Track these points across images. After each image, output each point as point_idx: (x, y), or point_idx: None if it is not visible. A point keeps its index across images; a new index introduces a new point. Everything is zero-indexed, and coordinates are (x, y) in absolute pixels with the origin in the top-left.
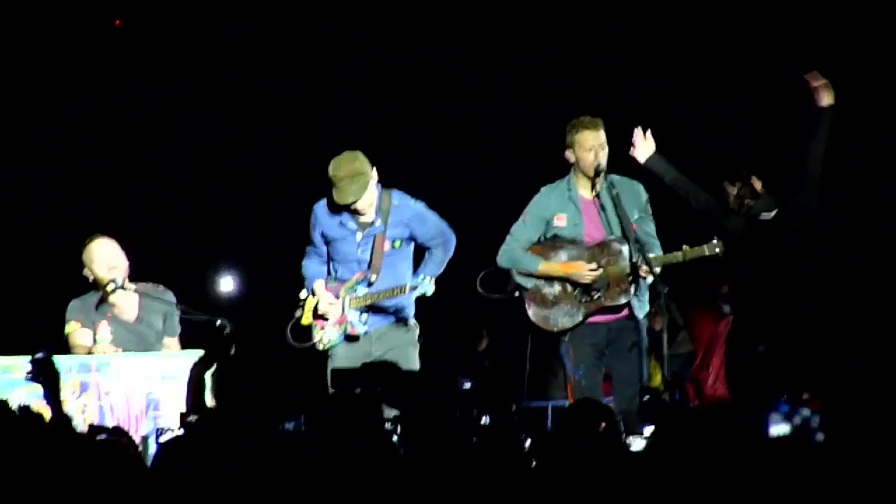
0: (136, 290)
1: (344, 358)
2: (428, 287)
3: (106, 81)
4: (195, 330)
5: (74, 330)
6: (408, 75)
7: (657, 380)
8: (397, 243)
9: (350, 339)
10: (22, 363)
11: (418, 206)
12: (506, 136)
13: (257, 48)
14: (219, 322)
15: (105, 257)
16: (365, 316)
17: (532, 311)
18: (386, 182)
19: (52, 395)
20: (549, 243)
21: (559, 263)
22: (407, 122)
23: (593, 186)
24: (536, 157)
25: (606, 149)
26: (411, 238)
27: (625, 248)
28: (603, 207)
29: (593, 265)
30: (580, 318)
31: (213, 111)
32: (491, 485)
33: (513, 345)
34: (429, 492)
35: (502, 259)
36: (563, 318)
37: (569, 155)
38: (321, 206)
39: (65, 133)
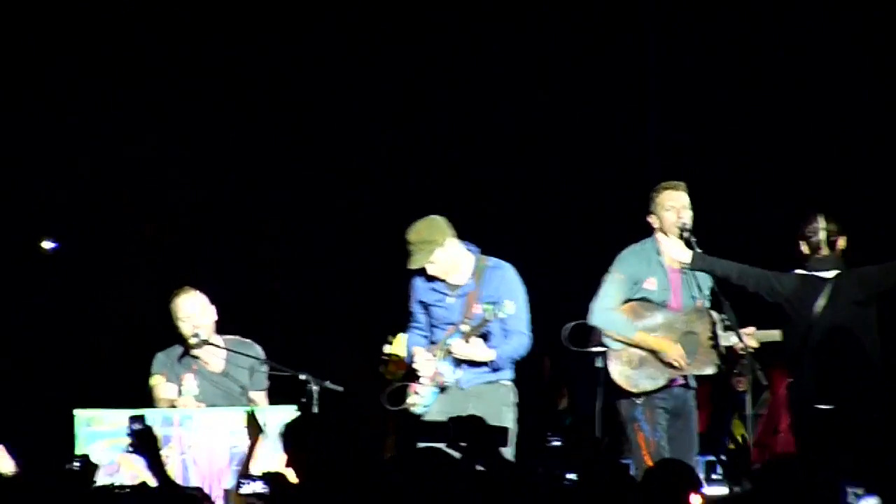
0: (222, 345)
1: (437, 412)
2: (509, 308)
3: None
4: (281, 385)
5: (159, 384)
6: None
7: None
8: (488, 307)
9: (443, 390)
10: (105, 416)
11: (513, 277)
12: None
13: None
14: (303, 376)
15: (189, 313)
16: (454, 368)
17: (616, 370)
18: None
19: (153, 458)
20: (640, 305)
21: (653, 338)
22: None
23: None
24: (611, 212)
25: (691, 211)
26: (498, 303)
27: (714, 317)
28: (684, 274)
29: (683, 355)
30: (662, 383)
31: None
32: None
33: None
34: None
35: (598, 318)
36: (644, 380)
37: (652, 219)
38: (418, 275)
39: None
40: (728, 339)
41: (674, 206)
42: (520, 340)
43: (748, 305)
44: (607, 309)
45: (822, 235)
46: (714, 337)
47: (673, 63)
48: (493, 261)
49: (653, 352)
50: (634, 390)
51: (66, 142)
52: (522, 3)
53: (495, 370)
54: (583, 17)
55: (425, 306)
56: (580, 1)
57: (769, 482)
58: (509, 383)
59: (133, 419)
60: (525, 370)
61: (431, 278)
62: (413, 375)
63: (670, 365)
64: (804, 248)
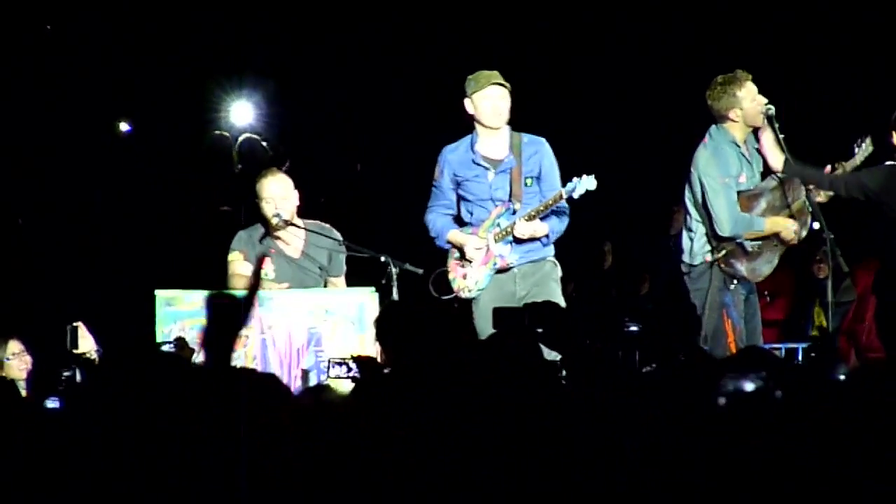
0: (302, 227)
1: (490, 301)
2: (589, 182)
3: None
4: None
5: (236, 260)
6: None
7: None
8: (529, 181)
9: (501, 272)
10: (185, 296)
11: (549, 149)
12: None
13: None
14: (383, 258)
15: (274, 194)
16: (510, 247)
17: (743, 266)
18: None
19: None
20: (745, 198)
21: (773, 221)
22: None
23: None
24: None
25: None
26: (538, 178)
27: (797, 182)
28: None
29: (798, 228)
30: (776, 263)
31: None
32: (661, 426)
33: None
34: (597, 436)
35: (733, 228)
36: (764, 266)
37: (732, 113)
38: (450, 149)
39: None
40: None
41: (754, 96)
42: (564, 218)
43: None
44: (735, 215)
45: None
46: (803, 198)
47: None
48: (526, 136)
49: (771, 235)
50: (759, 279)
51: (144, 29)
52: None
53: (543, 245)
54: None
55: (458, 182)
56: None
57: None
58: (552, 258)
59: (212, 298)
60: (586, 256)
61: (470, 150)
62: (459, 262)
63: (782, 241)
64: (895, 139)
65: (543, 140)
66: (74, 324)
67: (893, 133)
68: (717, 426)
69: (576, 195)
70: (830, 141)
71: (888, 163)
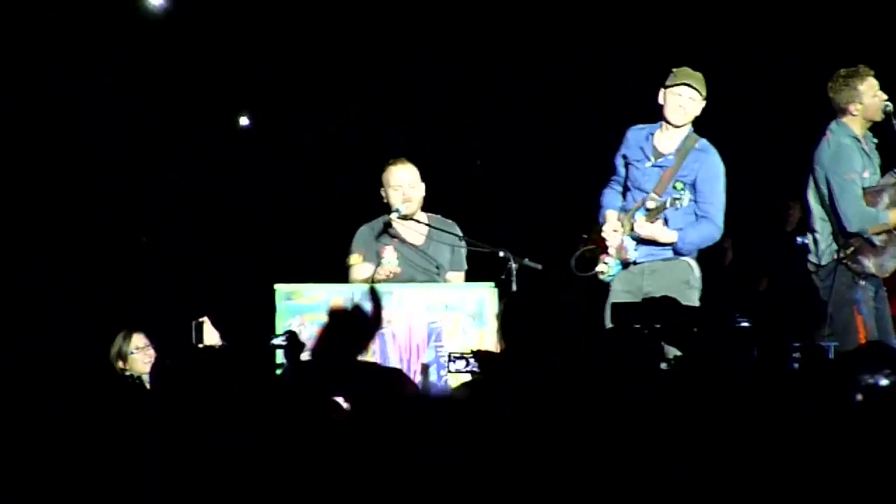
0: (425, 222)
1: (621, 292)
2: (683, 196)
3: None
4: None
5: (356, 264)
6: None
7: None
8: (680, 185)
9: (626, 266)
10: (305, 290)
11: (716, 164)
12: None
13: None
14: (501, 254)
15: (402, 182)
16: (636, 245)
17: (870, 262)
18: None
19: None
20: (869, 194)
21: (894, 214)
22: None
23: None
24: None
25: None
26: (693, 186)
27: None
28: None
29: None
30: None
31: None
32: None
33: (795, 286)
34: (706, 432)
35: (859, 224)
36: (890, 261)
37: (852, 107)
38: (634, 128)
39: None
40: None
41: (875, 91)
42: (710, 229)
43: None
44: (862, 210)
45: None
46: None
47: None
48: (702, 142)
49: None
50: (886, 275)
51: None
52: None
53: (676, 253)
54: None
55: (626, 163)
56: None
57: None
58: (689, 260)
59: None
60: (707, 253)
61: (646, 137)
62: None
63: None
64: None
65: (712, 151)
66: (200, 319)
67: None
68: (854, 423)
69: (677, 207)
70: None
71: None
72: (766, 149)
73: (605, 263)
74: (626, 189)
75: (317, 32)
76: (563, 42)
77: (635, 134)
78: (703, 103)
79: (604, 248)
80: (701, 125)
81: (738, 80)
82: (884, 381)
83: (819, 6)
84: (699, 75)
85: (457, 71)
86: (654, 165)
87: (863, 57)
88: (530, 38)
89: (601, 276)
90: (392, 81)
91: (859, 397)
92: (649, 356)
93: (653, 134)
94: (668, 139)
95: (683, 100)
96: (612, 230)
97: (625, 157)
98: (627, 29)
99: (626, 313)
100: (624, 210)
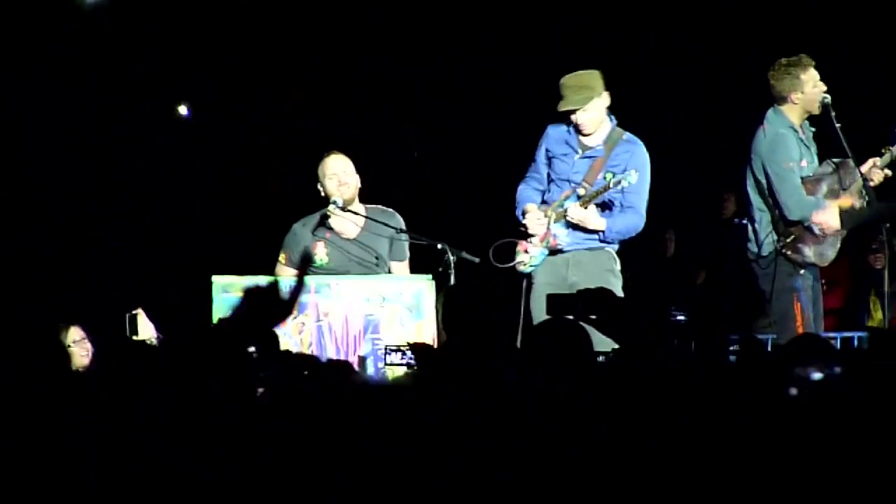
0: (361, 212)
1: (544, 284)
2: (631, 177)
3: None
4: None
5: (279, 263)
6: None
7: (878, 317)
8: (609, 176)
9: (553, 253)
10: (242, 283)
11: (644, 155)
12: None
13: None
14: (440, 246)
15: (337, 171)
16: (567, 231)
17: (812, 251)
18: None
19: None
20: (808, 183)
21: (837, 204)
22: None
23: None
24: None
25: None
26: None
27: (852, 166)
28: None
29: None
30: (839, 246)
31: None
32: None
33: (732, 276)
34: (645, 427)
35: (799, 212)
36: (829, 250)
37: (793, 96)
38: (554, 124)
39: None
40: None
41: (815, 82)
42: (634, 218)
43: None
44: (802, 200)
45: None
46: (860, 182)
47: None
48: (627, 134)
49: None
50: (825, 264)
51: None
52: None
53: (602, 241)
54: None
55: (550, 158)
56: None
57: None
58: (612, 250)
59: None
60: (648, 245)
61: (567, 130)
62: (524, 233)
63: None
64: None
65: (640, 143)
66: (134, 311)
67: None
68: (788, 416)
69: (620, 186)
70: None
71: None
72: (701, 139)
73: (527, 253)
74: (549, 182)
75: (259, 23)
76: (500, 33)
77: (556, 129)
78: (599, 98)
79: (524, 239)
80: (636, 117)
81: (672, 72)
82: (817, 375)
83: None
84: (573, 82)
85: (395, 63)
86: (583, 157)
87: (801, 48)
88: (467, 29)
89: (521, 268)
90: (331, 73)
91: (794, 391)
92: (587, 348)
93: (572, 127)
94: (592, 134)
95: (576, 117)
96: (537, 220)
97: (548, 151)
98: (562, 25)
99: (562, 305)
100: (546, 202)
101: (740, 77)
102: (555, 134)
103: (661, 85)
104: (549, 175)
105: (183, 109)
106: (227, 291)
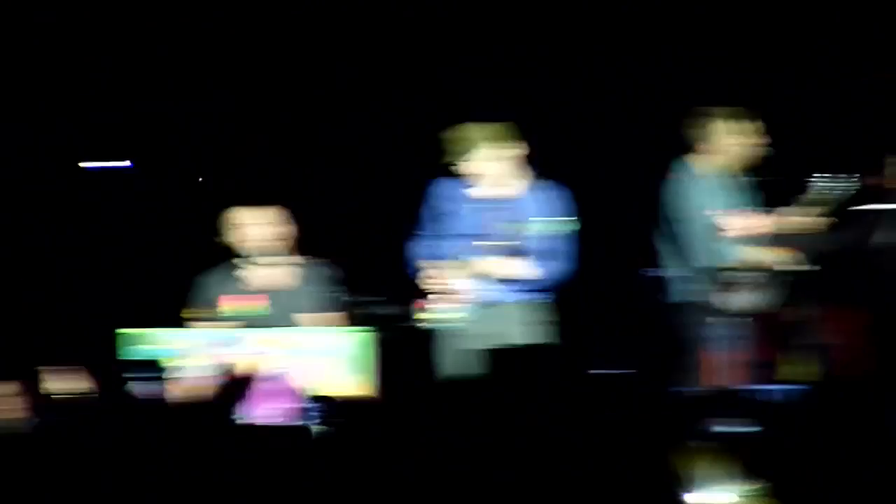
0: (293, 263)
1: (461, 338)
2: (550, 225)
3: None
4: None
5: (194, 316)
6: None
7: (786, 370)
8: (517, 225)
9: (471, 307)
10: (151, 336)
11: (557, 200)
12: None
13: None
14: (368, 300)
15: (256, 220)
16: (482, 284)
17: (723, 299)
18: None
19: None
20: (719, 230)
21: (747, 251)
22: None
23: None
24: None
25: None
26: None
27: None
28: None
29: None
30: (755, 298)
31: None
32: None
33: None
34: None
35: (710, 258)
36: (741, 298)
37: (708, 146)
38: (448, 177)
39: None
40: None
41: (733, 133)
42: (557, 265)
43: None
44: (713, 246)
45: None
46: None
47: None
48: (536, 181)
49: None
50: (737, 312)
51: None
52: None
53: (527, 291)
54: None
55: (447, 213)
56: None
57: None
58: (540, 301)
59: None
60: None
61: (465, 183)
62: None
63: (761, 271)
64: (885, 182)
65: (551, 189)
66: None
67: (881, 176)
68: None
69: (538, 233)
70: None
71: (869, 206)
72: (620, 184)
73: (434, 309)
74: (448, 237)
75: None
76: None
77: (451, 183)
78: (502, 148)
79: (438, 295)
80: (551, 160)
81: (587, 114)
82: (732, 428)
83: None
84: (474, 134)
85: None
86: (487, 208)
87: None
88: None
89: (429, 325)
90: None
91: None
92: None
93: (467, 181)
94: (498, 184)
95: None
96: (441, 276)
97: (445, 205)
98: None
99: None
100: (455, 258)
101: (660, 122)
102: (449, 188)
103: (578, 126)
104: (447, 228)
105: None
106: (134, 344)
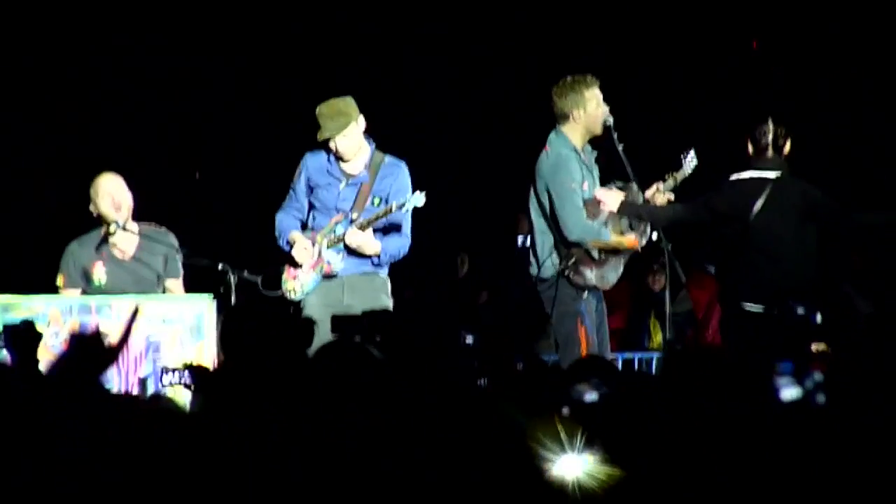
0: (137, 231)
1: (319, 307)
2: (419, 199)
3: None
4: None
5: (61, 285)
6: None
7: (657, 339)
8: (377, 200)
9: (327, 278)
10: (24, 303)
11: (407, 176)
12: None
13: None
14: (221, 267)
15: (111, 193)
16: (341, 255)
17: (592, 274)
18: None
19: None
20: (589, 205)
21: (618, 238)
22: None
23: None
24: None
25: None
26: (386, 200)
27: (635, 191)
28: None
29: (639, 240)
30: (622, 270)
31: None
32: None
33: (517, 299)
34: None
35: (579, 234)
36: (611, 273)
37: (575, 113)
38: (311, 153)
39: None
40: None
41: (599, 101)
42: (404, 241)
43: None
44: (583, 221)
45: (770, 137)
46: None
47: None
48: (389, 157)
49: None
50: (607, 287)
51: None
52: None
53: (375, 265)
54: None
55: (312, 188)
56: None
57: (693, 368)
58: (383, 273)
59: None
60: (440, 267)
61: (328, 160)
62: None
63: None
64: (750, 149)
65: (403, 165)
66: None
67: (748, 143)
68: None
69: (404, 210)
70: (661, 151)
71: (735, 176)
72: (498, 160)
73: (296, 280)
74: (310, 210)
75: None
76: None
77: (316, 158)
78: (356, 123)
79: (292, 267)
80: (428, 138)
81: (463, 91)
82: (591, 396)
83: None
84: (328, 110)
85: (181, 84)
86: (348, 185)
87: (590, 69)
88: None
89: (292, 295)
90: (111, 89)
91: (566, 411)
92: (374, 369)
93: (332, 156)
94: (353, 160)
95: (335, 144)
96: (304, 248)
97: (309, 180)
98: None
99: (346, 325)
100: (313, 229)
101: (533, 99)
102: (315, 163)
103: (456, 106)
104: (311, 203)
105: None
106: (7, 311)
